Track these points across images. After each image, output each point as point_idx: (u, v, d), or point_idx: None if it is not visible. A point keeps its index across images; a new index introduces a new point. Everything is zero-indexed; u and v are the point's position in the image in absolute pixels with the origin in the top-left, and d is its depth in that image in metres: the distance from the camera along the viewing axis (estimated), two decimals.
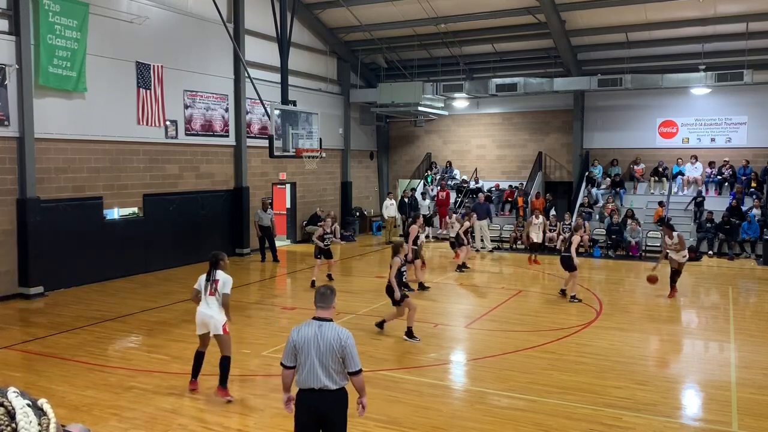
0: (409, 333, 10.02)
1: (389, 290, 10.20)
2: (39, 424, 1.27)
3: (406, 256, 13.47)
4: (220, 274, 7.51)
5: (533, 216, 19.09)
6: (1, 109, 12.68)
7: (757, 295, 14.48)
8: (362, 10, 20.64)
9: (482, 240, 20.30)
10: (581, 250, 18.58)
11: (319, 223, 15.47)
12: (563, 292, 13.14)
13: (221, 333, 7.44)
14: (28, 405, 1.28)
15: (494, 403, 7.44)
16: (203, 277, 7.58)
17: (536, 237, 18.64)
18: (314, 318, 4.87)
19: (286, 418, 6.84)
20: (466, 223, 17.02)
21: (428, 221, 21.64)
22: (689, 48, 20.29)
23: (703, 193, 20.73)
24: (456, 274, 16.08)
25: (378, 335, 10.27)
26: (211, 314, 7.44)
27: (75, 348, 9.59)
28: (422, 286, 13.79)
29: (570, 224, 18.95)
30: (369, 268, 16.18)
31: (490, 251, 19.96)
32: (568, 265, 12.86)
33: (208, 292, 7.48)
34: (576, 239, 13.01)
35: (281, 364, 4.95)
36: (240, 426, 6.81)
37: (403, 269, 10.50)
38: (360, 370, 4.81)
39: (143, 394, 7.63)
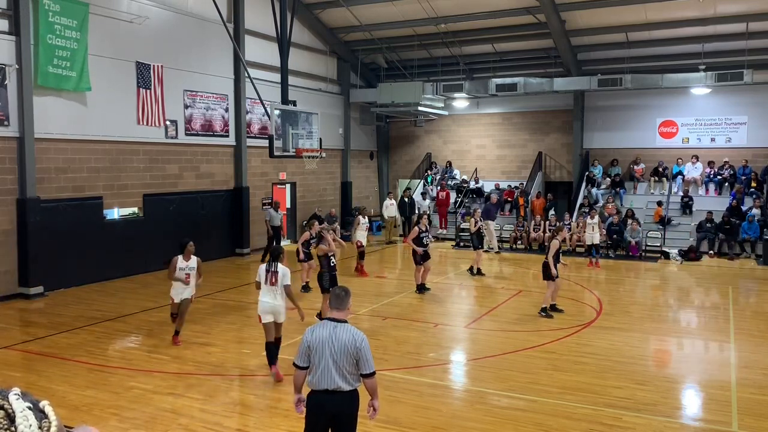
0: (320, 316, 10.52)
1: (319, 277, 11.19)
2: (39, 428, 1.26)
3: (415, 257, 13.56)
4: (279, 267, 8.19)
5: (588, 216, 18.19)
6: (1, 109, 12.68)
7: (757, 295, 14.48)
8: (362, 10, 20.64)
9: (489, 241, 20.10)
10: (579, 249, 18.59)
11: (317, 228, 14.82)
12: (553, 307, 11.75)
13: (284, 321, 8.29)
14: (29, 407, 1.27)
15: (494, 403, 7.44)
16: (263, 267, 8.25)
17: (591, 238, 17.61)
18: (329, 319, 4.85)
19: (286, 418, 6.86)
20: (472, 220, 16.55)
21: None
22: (689, 48, 20.29)
23: (701, 193, 20.79)
24: (463, 275, 15.92)
25: (377, 336, 10.26)
26: (276, 304, 8.15)
27: (75, 348, 9.59)
28: (422, 288, 13.73)
29: (569, 224, 18.92)
30: (368, 268, 16.15)
31: (497, 252, 19.81)
32: (545, 273, 11.57)
33: (269, 282, 8.15)
34: (555, 244, 11.55)
35: (294, 364, 4.90)
36: (240, 426, 6.81)
37: (331, 255, 11.22)
38: (374, 373, 4.77)
39: (143, 394, 7.62)
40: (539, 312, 11.57)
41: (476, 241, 16.12)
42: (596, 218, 18.00)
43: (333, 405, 4.72)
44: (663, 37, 20.20)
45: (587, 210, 19.30)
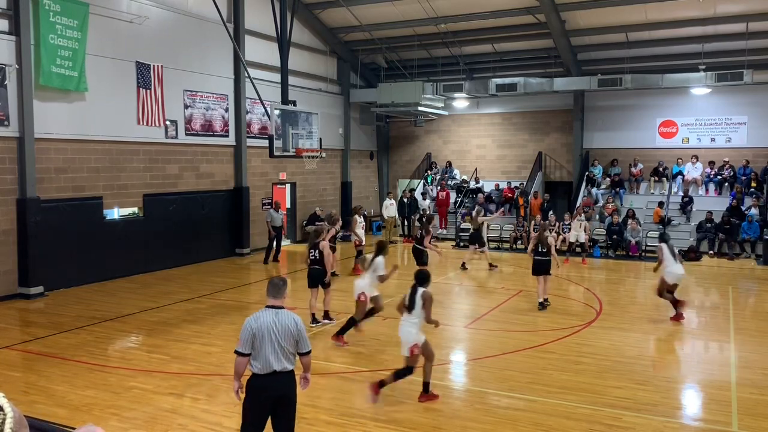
0: (326, 315, 10.89)
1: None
2: None
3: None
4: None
5: (576, 215, 18.79)
6: (1, 109, 12.68)
7: (757, 295, 14.48)
8: (362, 10, 20.64)
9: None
10: (563, 248, 18.72)
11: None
12: (542, 305, 12.09)
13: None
14: None
15: (494, 403, 7.44)
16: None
17: (576, 237, 18.28)
18: (269, 306, 5.25)
19: None
20: (481, 218, 17.28)
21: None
22: (689, 48, 20.29)
23: (701, 193, 20.80)
24: (457, 272, 16.21)
25: (377, 336, 10.26)
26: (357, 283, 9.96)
27: (75, 348, 9.59)
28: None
29: (569, 224, 18.95)
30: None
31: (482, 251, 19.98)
32: (548, 269, 12.10)
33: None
34: (552, 240, 12.29)
35: (236, 351, 5.19)
36: (240, 426, 6.79)
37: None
38: (310, 351, 5.30)
39: (143, 394, 7.62)
40: (539, 307, 11.99)
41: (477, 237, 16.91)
42: (581, 217, 18.44)
43: (279, 385, 5.12)
44: (663, 37, 20.20)
45: (574, 210, 19.61)
